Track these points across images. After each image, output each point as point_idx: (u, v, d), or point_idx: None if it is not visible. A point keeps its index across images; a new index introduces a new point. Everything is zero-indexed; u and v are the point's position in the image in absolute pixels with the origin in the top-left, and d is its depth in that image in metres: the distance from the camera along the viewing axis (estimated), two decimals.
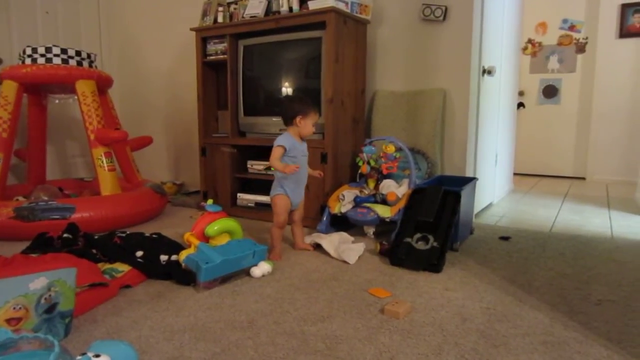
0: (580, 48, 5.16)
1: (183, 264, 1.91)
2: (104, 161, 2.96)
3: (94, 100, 2.99)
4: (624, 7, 4.82)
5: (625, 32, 4.84)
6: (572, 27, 5.18)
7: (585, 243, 2.48)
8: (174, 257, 2.00)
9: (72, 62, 3.03)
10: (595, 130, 5.05)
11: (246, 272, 1.95)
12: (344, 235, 2.43)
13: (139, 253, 2.01)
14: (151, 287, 1.84)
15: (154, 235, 2.27)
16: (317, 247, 2.33)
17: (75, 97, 3.05)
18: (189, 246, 2.04)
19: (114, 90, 3.63)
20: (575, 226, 2.91)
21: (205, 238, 2.18)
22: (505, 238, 2.55)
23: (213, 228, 2.18)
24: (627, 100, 4.87)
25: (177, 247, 2.13)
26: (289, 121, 2.21)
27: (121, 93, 4.34)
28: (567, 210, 3.41)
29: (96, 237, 2.18)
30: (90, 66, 3.16)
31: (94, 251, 2.02)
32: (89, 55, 3.16)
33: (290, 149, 2.16)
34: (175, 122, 4.20)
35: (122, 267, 1.91)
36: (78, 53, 3.07)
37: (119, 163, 3.36)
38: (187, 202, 3.63)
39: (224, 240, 2.17)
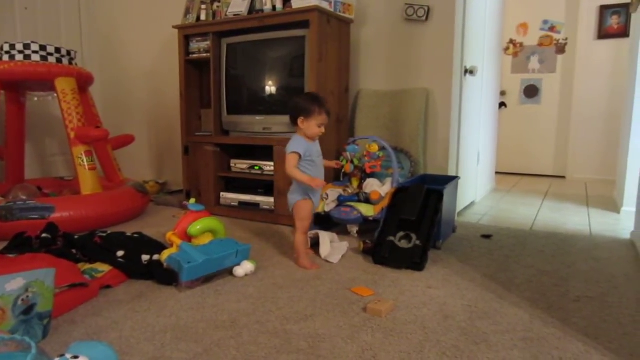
0: (560, 49, 5.24)
1: (165, 264, 1.89)
2: (85, 160, 2.92)
3: (74, 98, 2.95)
4: (603, 9, 4.92)
5: (603, 33, 4.94)
6: (552, 28, 5.26)
7: (565, 241, 2.53)
8: (155, 257, 1.98)
9: (52, 59, 2.97)
10: (575, 130, 5.14)
11: (229, 272, 1.95)
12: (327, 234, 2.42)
13: (120, 253, 1.99)
14: (132, 287, 1.82)
15: (135, 235, 2.25)
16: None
17: (55, 95, 3.00)
18: (171, 246, 2.02)
19: (94, 88, 3.57)
20: (555, 224, 2.96)
21: (188, 237, 2.16)
22: (487, 236, 2.58)
23: (196, 227, 2.16)
24: (605, 100, 4.97)
25: (159, 247, 2.12)
26: (293, 122, 2.07)
27: (102, 91, 4.27)
28: (548, 209, 3.46)
29: (76, 237, 2.15)
30: (71, 63, 3.11)
31: (74, 251, 1.99)
32: (69, 52, 3.10)
33: (305, 153, 2.01)
34: (158, 121, 4.16)
35: (103, 267, 1.88)
36: (58, 50, 3.01)
37: (100, 162, 3.31)
38: (169, 201, 3.60)
39: (206, 239, 2.16)
